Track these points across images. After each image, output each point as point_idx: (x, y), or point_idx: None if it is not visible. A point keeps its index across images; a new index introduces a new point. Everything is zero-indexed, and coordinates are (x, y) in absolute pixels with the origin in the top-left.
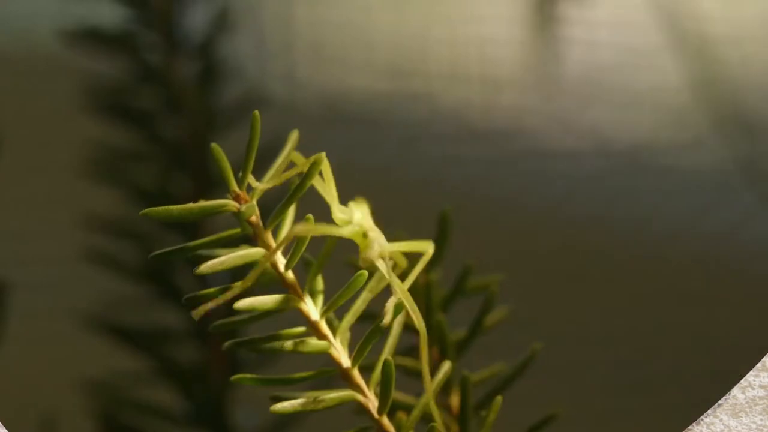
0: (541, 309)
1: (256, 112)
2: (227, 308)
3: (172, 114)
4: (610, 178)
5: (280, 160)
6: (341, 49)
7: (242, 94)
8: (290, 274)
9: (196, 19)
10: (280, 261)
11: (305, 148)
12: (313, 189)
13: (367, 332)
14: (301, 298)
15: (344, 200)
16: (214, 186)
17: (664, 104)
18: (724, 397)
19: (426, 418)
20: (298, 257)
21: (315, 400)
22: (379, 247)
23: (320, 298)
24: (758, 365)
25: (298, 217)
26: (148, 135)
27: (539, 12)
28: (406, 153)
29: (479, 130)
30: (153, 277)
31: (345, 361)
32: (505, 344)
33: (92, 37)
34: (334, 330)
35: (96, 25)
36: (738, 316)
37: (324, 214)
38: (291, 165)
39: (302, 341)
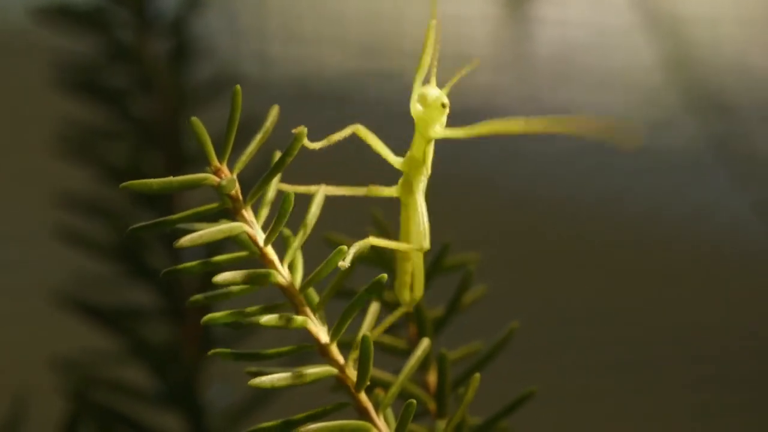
0: (515, 288)
1: (238, 86)
2: (202, 285)
3: (144, 92)
4: (582, 157)
5: (260, 135)
6: (314, 27)
7: (215, 72)
8: (269, 249)
9: None
10: (260, 235)
11: (277, 125)
12: (293, 165)
13: (346, 308)
14: (279, 273)
15: (321, 180)
16: (187, 164)
17: (637, 84)
18: None
19: (404, 394)
20: (278, 232)
21: (293, 376)
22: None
23: (299, 274)
24: None
25: (279, 193)
26: (120, 113)
27: None
28: (378, 131)
29: (451, 109)
30: (125, 256)
31: (323, 336)
32: (482, 322)
33: (63, 15)
34: (312, 305)
35: (67, 3)
36: (710, 294)
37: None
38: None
39: (280, 316)
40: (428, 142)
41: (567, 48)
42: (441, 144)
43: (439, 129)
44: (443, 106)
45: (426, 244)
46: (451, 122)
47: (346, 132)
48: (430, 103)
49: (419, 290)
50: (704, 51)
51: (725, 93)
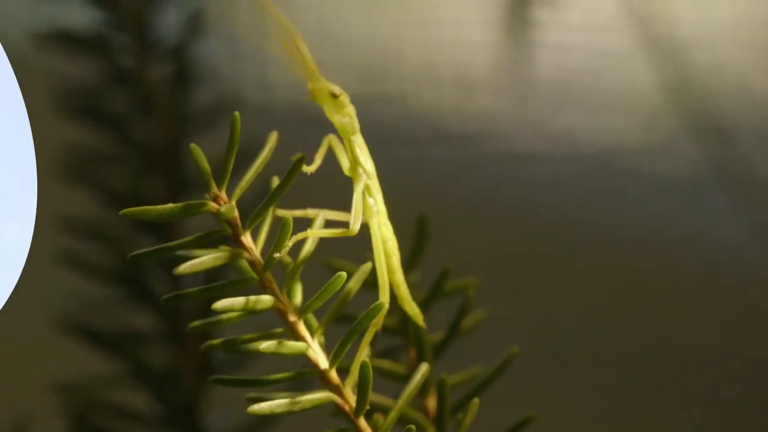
0: (514, 311)
1: (236, 113)
2: (202, 310)
3: (145, 116)
4: (582, 180)
5: (259, 161)
6: (314, 51)
7: (215, 97)
8: (268, 275)
9: (168, 22)
10: (258, 262)
11: (278, 150)
12: (292, 192)
13: (345, 333)
14: (279, 299)
15: (318, 206)
16: (188, 188)
17: (636, 107)
18: None
19: (403, 419)
20: (277, 258)
21: (292, 402)
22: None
23: (298, 300)
24: None
25: (277, 220)
26: (121, 137)
27: (512, 15)
28: (377, 155)
29: (451, 132)
30: (125, 280)
31: (323, 362)
32: (481, 345)
33: (64, 40)
34: (312, 331)
35: (68, 28)
36: (709, 316)
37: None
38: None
39: (280, 342)
40: (346, 138)
41: (566, 72)
42: (440, 167)
43: (338, 118)
44: (333, 95)
45: (355, 227)
46: (451, 147)
47: (323, 146)
48: (316, 94)
49: (384, 294)
50: (704, 74)
51: (725, 116)
